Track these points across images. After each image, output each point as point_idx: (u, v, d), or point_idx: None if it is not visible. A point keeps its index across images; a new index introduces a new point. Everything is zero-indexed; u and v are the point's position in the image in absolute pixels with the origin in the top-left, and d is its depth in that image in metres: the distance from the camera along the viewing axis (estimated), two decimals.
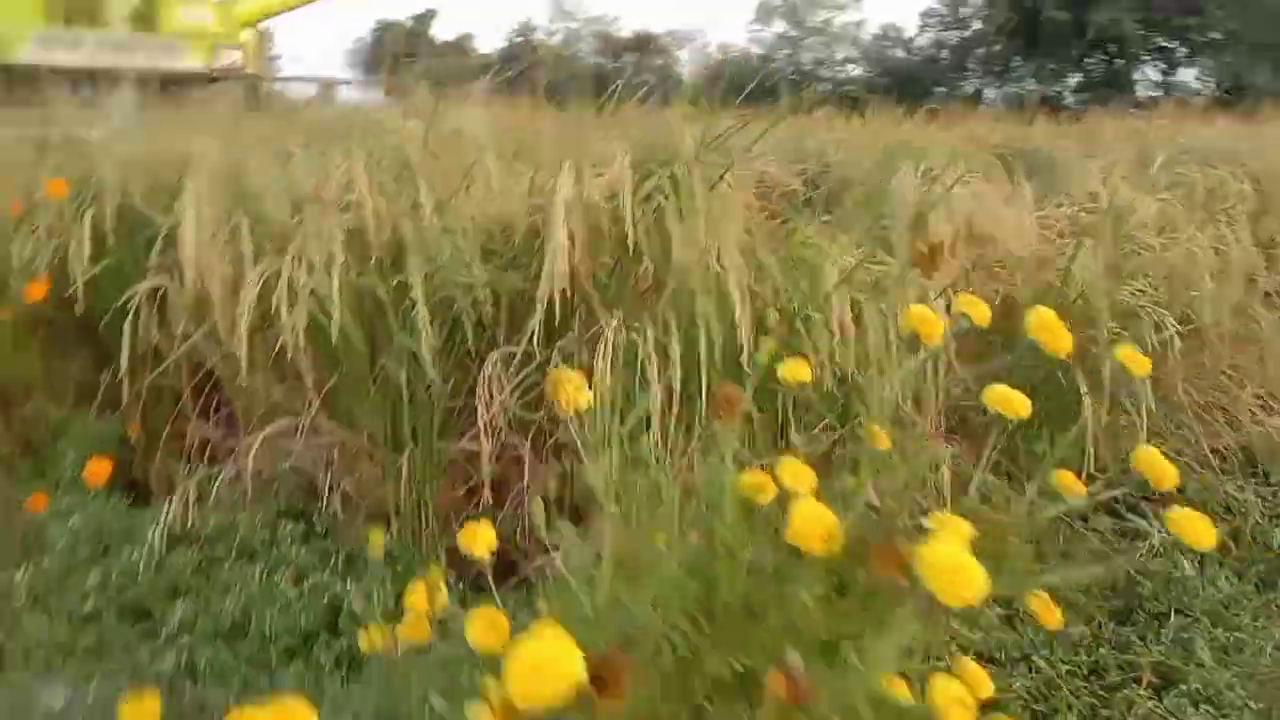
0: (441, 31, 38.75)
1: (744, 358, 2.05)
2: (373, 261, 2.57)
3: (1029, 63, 28.52)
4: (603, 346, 2.05)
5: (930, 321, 1.18)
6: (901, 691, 0.87)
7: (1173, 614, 2.50)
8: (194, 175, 2.73)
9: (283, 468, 2.56)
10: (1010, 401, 1.14)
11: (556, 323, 2.32)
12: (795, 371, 1.29)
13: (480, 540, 1.00)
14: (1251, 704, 2.06)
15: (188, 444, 2.81)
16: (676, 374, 2.08)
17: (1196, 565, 2.72)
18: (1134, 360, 1.25)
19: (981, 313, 1.19)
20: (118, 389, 2.77)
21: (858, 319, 2.22)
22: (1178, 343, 2.60)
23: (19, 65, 7.13)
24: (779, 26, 34.08)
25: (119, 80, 6.53)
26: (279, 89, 9.08)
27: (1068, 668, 2.27)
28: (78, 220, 2.73)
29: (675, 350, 2.13)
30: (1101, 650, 2.34)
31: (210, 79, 8.37)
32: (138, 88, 6.53)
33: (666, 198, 2.34)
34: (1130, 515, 2.86)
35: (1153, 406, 2.48)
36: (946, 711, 0.77)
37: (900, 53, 32.13)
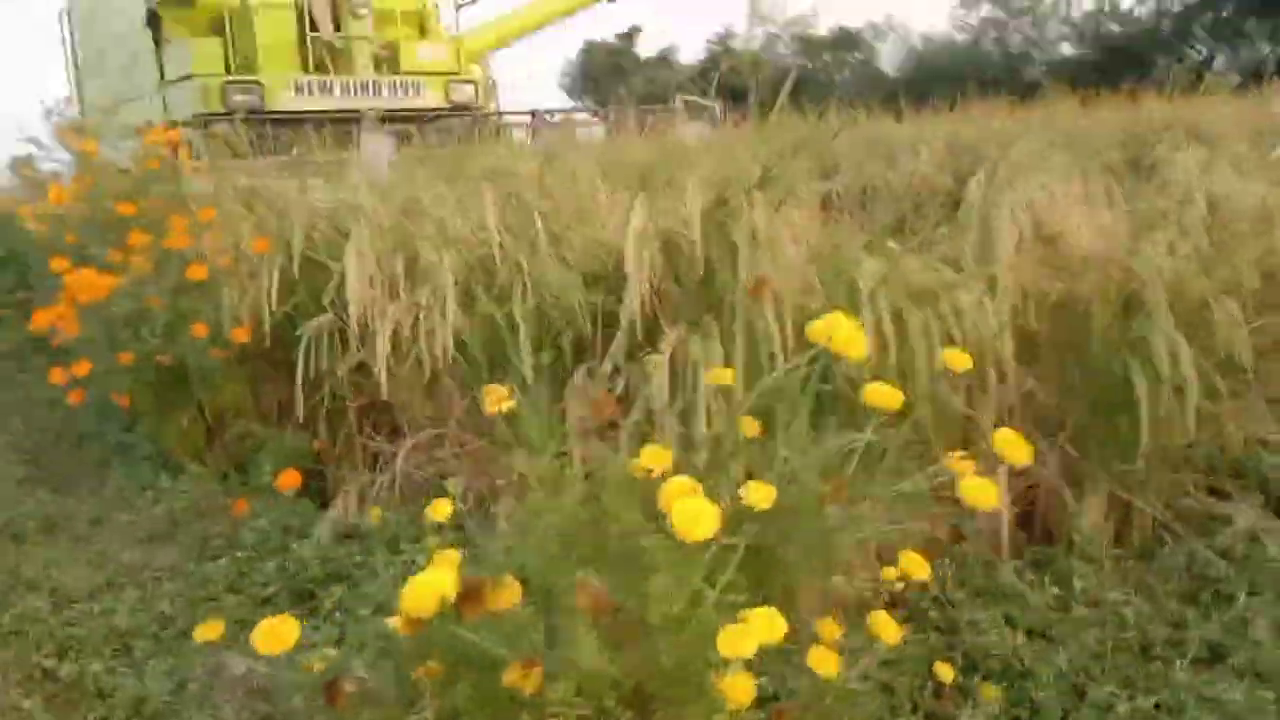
0: (645, 47, 39.70)
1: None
2: (495, 290, 3.02)
3: (1263, 23, 26.27)
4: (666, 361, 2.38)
5: (850, 337, 1.43)
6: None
7: (1242, 596, 2.57)
8: (356, 225, 3.27)
9: (429, 472, 3.04)
10: (885, 397, 1.39)
11: (640, 338, 2.68)
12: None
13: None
14: None
15: (359, 454, 3.36)
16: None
17: None
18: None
19: (858, 350, 1.41)
20: (313, 410, 3.36)
21: (901, 327, 2.45)
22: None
23: (280, 112, 8.09)
24: (985, 9, 32.85)
25: (367, 120, 7.53)
26: (505, 121, 9.86)
27: (1113, 643, 2.42)
28: (268, 271, 3.33)
29: (738, 361, 2.44)
30: (1152, 626, 2.47)
31: (448, 114, 9.25)
32: (383, 127, 7.17)
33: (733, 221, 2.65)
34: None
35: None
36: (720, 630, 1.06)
37: (1117, 27, 30.29)
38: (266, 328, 3.37)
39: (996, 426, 2.78)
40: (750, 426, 1.42)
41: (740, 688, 1.11)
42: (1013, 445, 1.38)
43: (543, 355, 2.63)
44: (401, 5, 9.93)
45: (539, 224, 3.11)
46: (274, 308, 3.39)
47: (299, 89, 8.51)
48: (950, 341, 2.61)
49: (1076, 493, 2.86)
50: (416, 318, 2.91)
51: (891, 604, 2.54)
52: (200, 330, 3.34)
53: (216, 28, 8.90)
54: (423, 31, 10.30)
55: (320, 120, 7.11)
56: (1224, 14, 28.04)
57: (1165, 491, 2.94)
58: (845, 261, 2.50)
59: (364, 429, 3.37)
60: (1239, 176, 3.26)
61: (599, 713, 1.04)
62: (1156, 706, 2.21)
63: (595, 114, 8.72)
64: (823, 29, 35.37)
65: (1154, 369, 2.59)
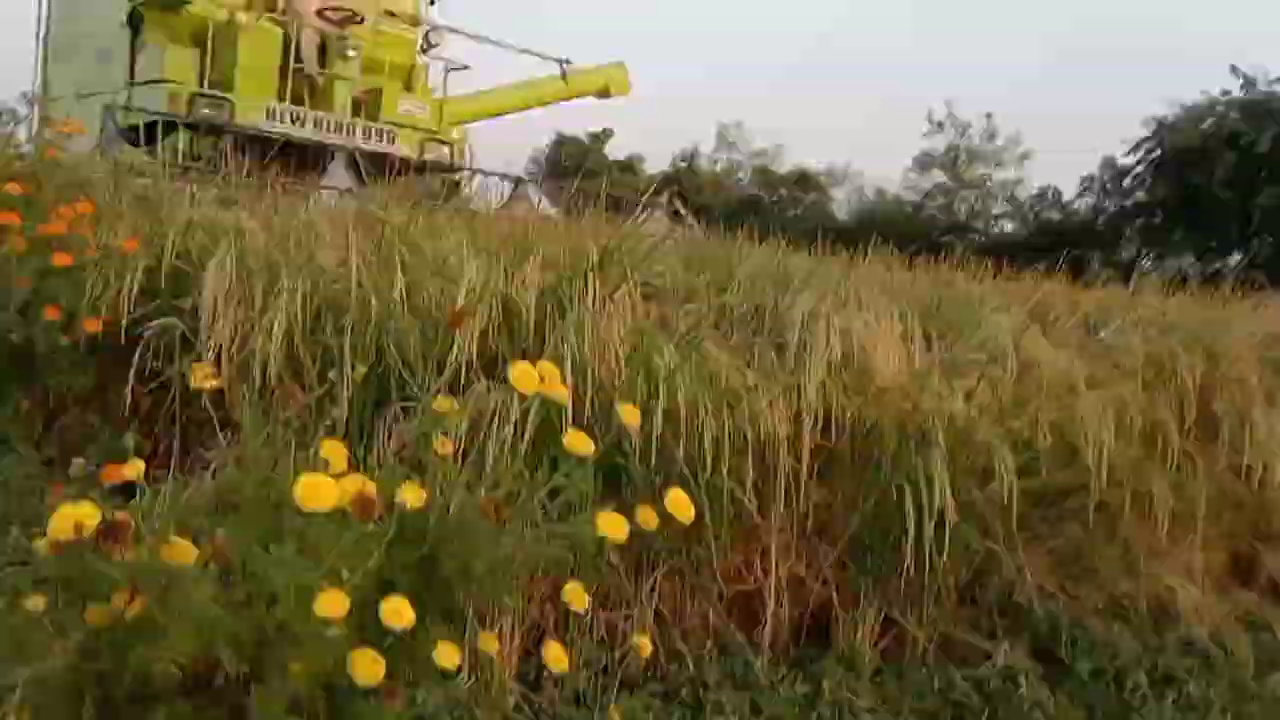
0: (615, 150, 40.64)
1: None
2: (339, 322, 3.13)
3: (1190, 236, 27.88)
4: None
5: (557, 386, 1.58)
6: None
7: None
8: (225, 240, 3.38)
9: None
10: (581, 443, 1.53)
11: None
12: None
13: None
14: None
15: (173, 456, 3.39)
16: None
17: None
18: None
19: (562, 396, 1.57)
20: (151, 410, 3.41)
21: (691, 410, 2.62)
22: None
23: (250, 130, 8.00)
24: (937, 175, 34.37)
25: (334, 154, 7.55)
26: (479, 183, 9.76)
27: None
28: (132, 270, 3.41)
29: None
30: None
31: (418, 168, 9.07)
32: (351, 164, 7.12)
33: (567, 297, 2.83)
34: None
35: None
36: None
37: (1056, 215, 31.89)
38: (123, 323, 3.43)
39: (780, 530, 2.99)
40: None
41: (363, 661, 1.21)
42: (680, 506, 1.52)
43: (356, 373, 2.72)
44: (391, 56, 9.90)
45: (399, 271, 3.24)
46: (132, 306, 3.45)
47: (270, 114, 8.46)
48: (743, 440, 2.79)
49: (852, 604, 3.01)
50: (253, 332, 3.00)
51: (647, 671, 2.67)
52: (52, 313, 3.39)
53: (197, 39, 8.70)
54: (408, 86, 10.31)
55: (287, 148, 7.12)
56: (1155, 221, 29.67)
57: (934, 618, 3.11)
58: (652, 346, 2.67)
59: (193, 434, 3.41)
60: (1051, 345, 3.54)
61: (206, 661, 1.14)
62: None
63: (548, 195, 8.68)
64: (784, 166, 36.65)
65: (923, 497, 2.77)
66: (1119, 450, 3.41)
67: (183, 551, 1.26)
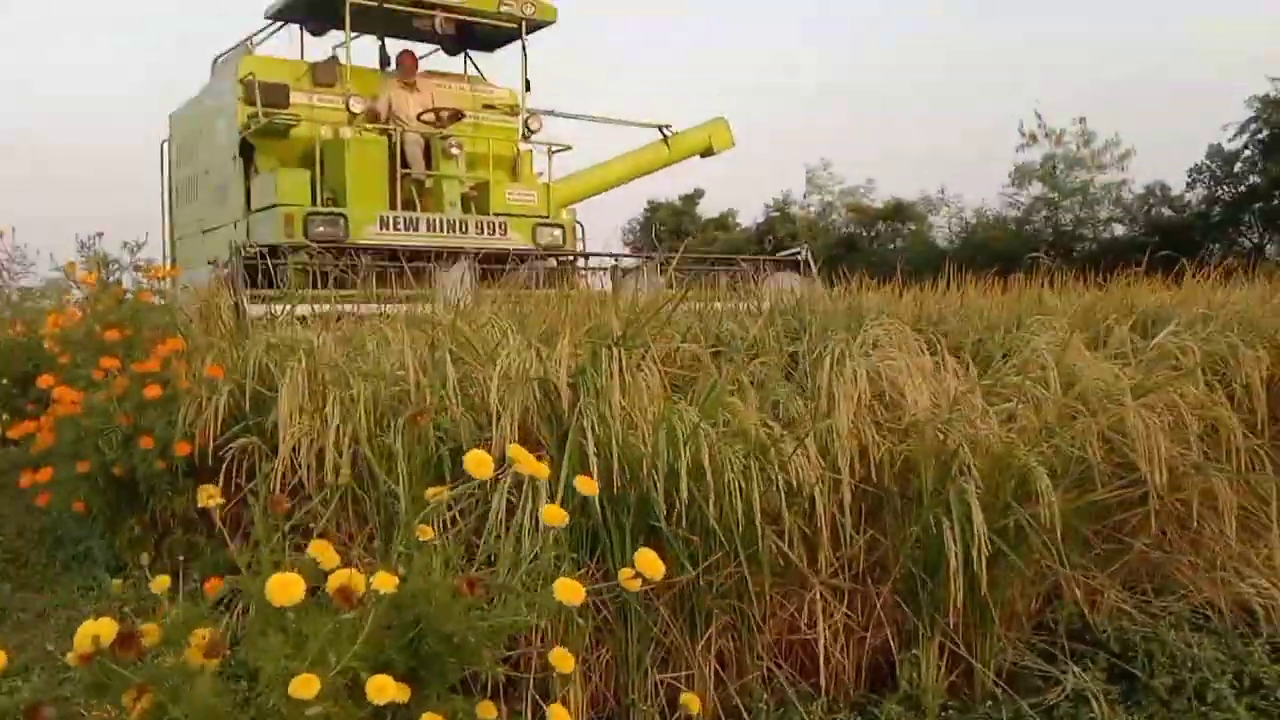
0: (708, 208, 41.00)
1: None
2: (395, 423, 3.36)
3: None
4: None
5: (532, 463, 1.75)
6: None
7: None
8: (292, 367, 3.67)
9: None
10: (650, 566, 1.66)
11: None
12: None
13: None
14: None
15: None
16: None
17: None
18: None
19: (542, 472, 1.74)
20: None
21: (717, 466, 2.74)
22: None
23: (366, 244, 7.91)
24: (1035, 188, 33.56)
25: (453, 257, 7.16)
26: (590, 266, 9.39)
27: None
28: (217, 396, 3.73)
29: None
30: None
31: (535, 256, 8.88)
32: (468, 265, 6.83)
33: (593, 371, 2.99)
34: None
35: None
36: None
37: (1168, 210, 30.75)
38: (211, 445, 3.75)
39: (833, 575, 3.05)
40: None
41: None
42: (649, 564, 1.64)
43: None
44: (495, 149, 9.75)
45: (449, 367, 3.47)
46: (220, 429, 3.77)
47: (383, 223, 8.41)
48: (775, 488, 2.89)
49: (912, 643, 3.04)
50: (323, 440, 3.25)
51: None
52: (147, 442, 3.74)
53: (306, 161, 8.75)
54: (514, 175, 10.17)
55: (404, 256, 6.93)
56: (1274, 202, 28.35)
57: (1001, 650, 3.11)
58: (671, 410, 2.81)
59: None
60: (1093, 358, 3.52)
61: None
62: None
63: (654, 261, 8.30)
64: (878, 200, 36.32)
65: (963, 527, 2.81)
66: (1177, 455, 3.38)
67: (193, 652, 1.46)
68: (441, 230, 8.68)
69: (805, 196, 38.53)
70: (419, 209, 8.95)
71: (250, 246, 7.72)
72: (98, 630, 1.38)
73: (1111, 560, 3.41)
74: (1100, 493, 3.22)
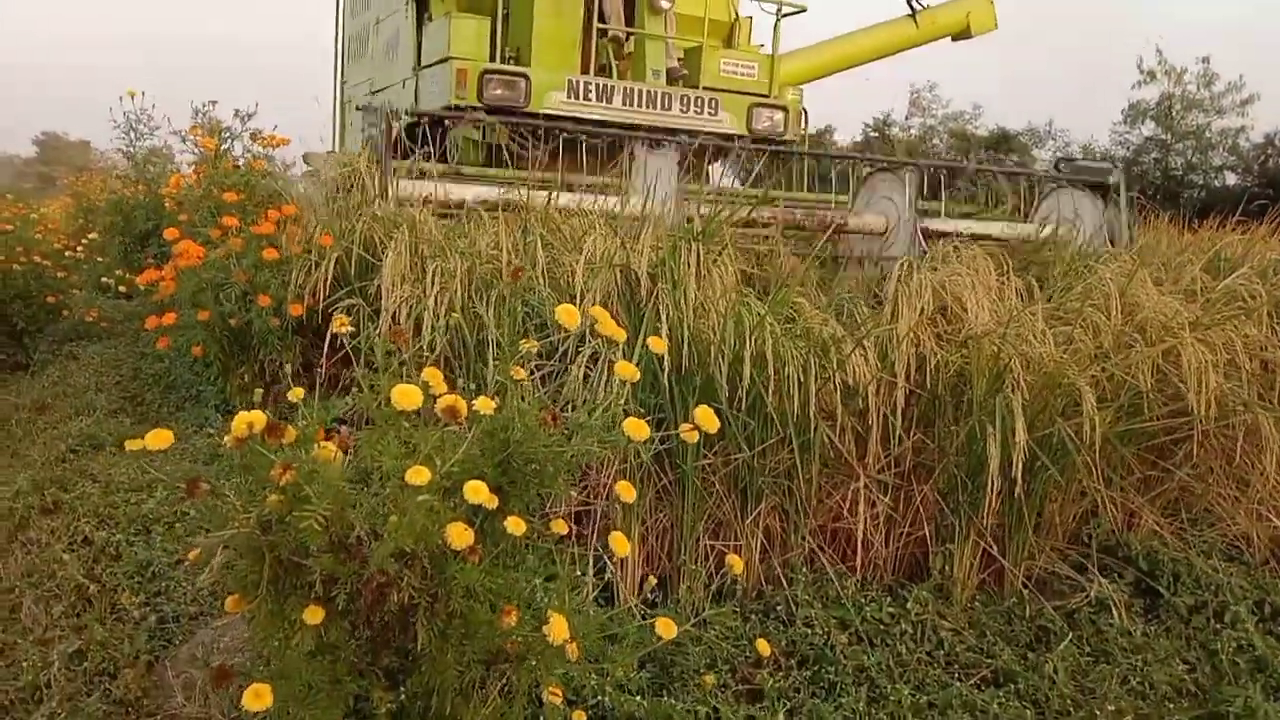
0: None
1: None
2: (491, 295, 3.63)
3: None
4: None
5: (610, 325, 1.98)
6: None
7: (1062, 645, 2.95)
8: (397, 240, 3.95)
9: None
10: (707, 419, 1.90)
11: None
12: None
13: None
14: None
15: None
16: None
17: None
18: None
19: (619, 334, 1.96)
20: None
21: (779, 358, 2.96)
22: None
23: (550, 112, 6.57)
24: (1149, 128, 32.31)
25: (645, 140, 5.74)
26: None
27: (920, 656, 2.84)
28: (327, 261, 4.04)
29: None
30: (960, 649, 2.87)
31: (745, 144, 7.30)
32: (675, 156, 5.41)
33: (672, 263, 3.21)
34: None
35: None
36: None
37: None
38: (320, 306, 4.07)
39: (880, 471, 3.27)
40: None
41: (456, 532, 1.64)
42: (707, 419, 1.87)
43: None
44: (711, 12, 7.83)
45: (539, 250, 3.71)
46: (328, 291, 4.09)
47: (572, 90, 6.89)
48: (833, 384, 3.10)
49: (945, 539, 3.26)
50: (419, 305, 3.53)
51: (751, 592, 3.04)
52: (264, 300, 4.07)
53: (487, 7, 7.13)
54: (728, 43, 8.42)
55: (590, 133, 5.88)
56: None
57: (1033, 555, 3.32)
58: (740, 302, 3.03)
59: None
60: (1158, 293, 3.63)
61: (342, 526, 1.61)
62: (930, 705, 2.62)
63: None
64: (982, 128, 35.32)
65: (1004, 434, 3.00)
66: (1228, 391, 3.49)
67: (325, 446, 1.75)
68: (640, 104, 7.10)
69: (907, 118, 37.52)
70: (615, 76, 7.33)
71: (407, 114, 6.75)
72: (251, 419, 1.67)
73: (1152, 486, 3.57)
74: (1146, 419, 3.37)
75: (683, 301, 3.04)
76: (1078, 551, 3.43)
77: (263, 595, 1.75)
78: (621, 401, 1.90)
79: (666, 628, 1.90)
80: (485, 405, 1.72)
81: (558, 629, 1.74)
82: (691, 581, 3.00)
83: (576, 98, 6.89)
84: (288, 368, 2.42)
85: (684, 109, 7.25)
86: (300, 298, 4.21)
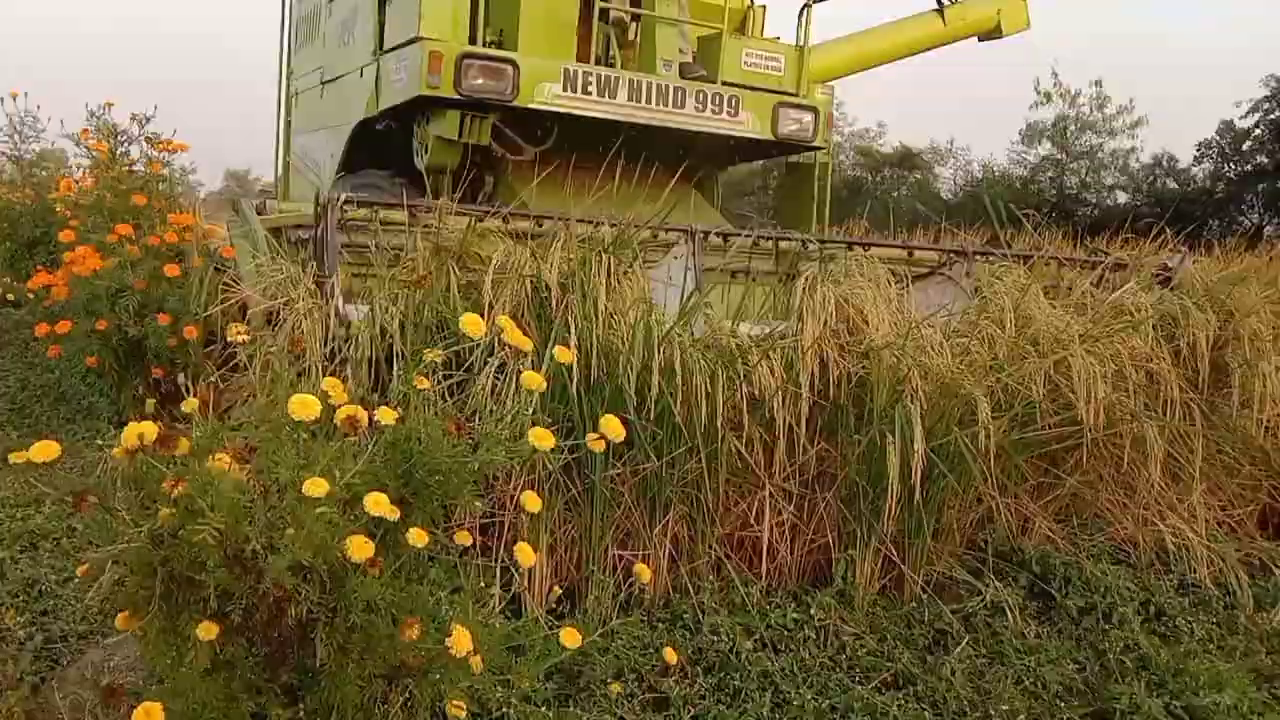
0: None
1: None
2: None
3: None
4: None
5: (514, 332, 1.98)
6: None
7: (958, 648, 3.04)
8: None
9: None
10: (613, 428, 1.90)
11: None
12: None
13: None
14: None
15: None
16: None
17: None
18: None
19: (524, 342, 1.97)
20: None
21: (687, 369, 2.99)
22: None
23: (536, 111, 5.54)
24: (1044, 148, 33.49)
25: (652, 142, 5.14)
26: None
27: (824, 660, 2.89)
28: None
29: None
30: (862, 654, 2.94)
31: (771, 150, 6.62)
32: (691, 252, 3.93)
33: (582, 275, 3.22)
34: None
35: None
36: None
37: (1173, 183, 30.80)
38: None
39: (785, 479, 3.33)
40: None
41: (357, 544, 1.63)
42: (613, 427, 1.89)
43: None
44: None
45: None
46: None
47: (569, 81, 5.64)
48: (739, 395, 3.15)
49: (847, 546, 3.33)
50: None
51: (658, 601, 3.06)
52: (164, 319, 3.96)
53: None
54: (742, 31, 7.18)
55: (588, 133, 5.16)
56: (1279, 185, 28.39)
57: (931, 560, 3.41)
58: (649, 313, 3.06)
59: None
60: (1050, 306, 3.77)
61: (230, 532, 1.58)
62: (833, 708, 2.67)
63: None
64: (886, 145, 36.16)
65: (904, 443, 3.08)
66: (1115, 401, 3.64)
67: (219, 457, 1.72)
68: (649, 99, 5.91)
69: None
70: (619, 65, 6.19)
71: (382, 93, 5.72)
72: (142, 430, 1.62)
73: (1045, 492, 3.70)
74: (1039, 428, 3.49)
75: (593, 313, 3.05)
76: (974, 556, 3.53)
77: (154, 612, 1.70)
78: (529, 411, 1.89)
79: (571, 637, 1.90)
80: (387, 415, 1.71)
81: (461, 641, 1.73)
82: (599, 592, 3.00)
83: (574, 90, 5.69)
84: (180, 377, 2.36)
85: (700, 107, 6.07)
86: (197, 320, 4.11)
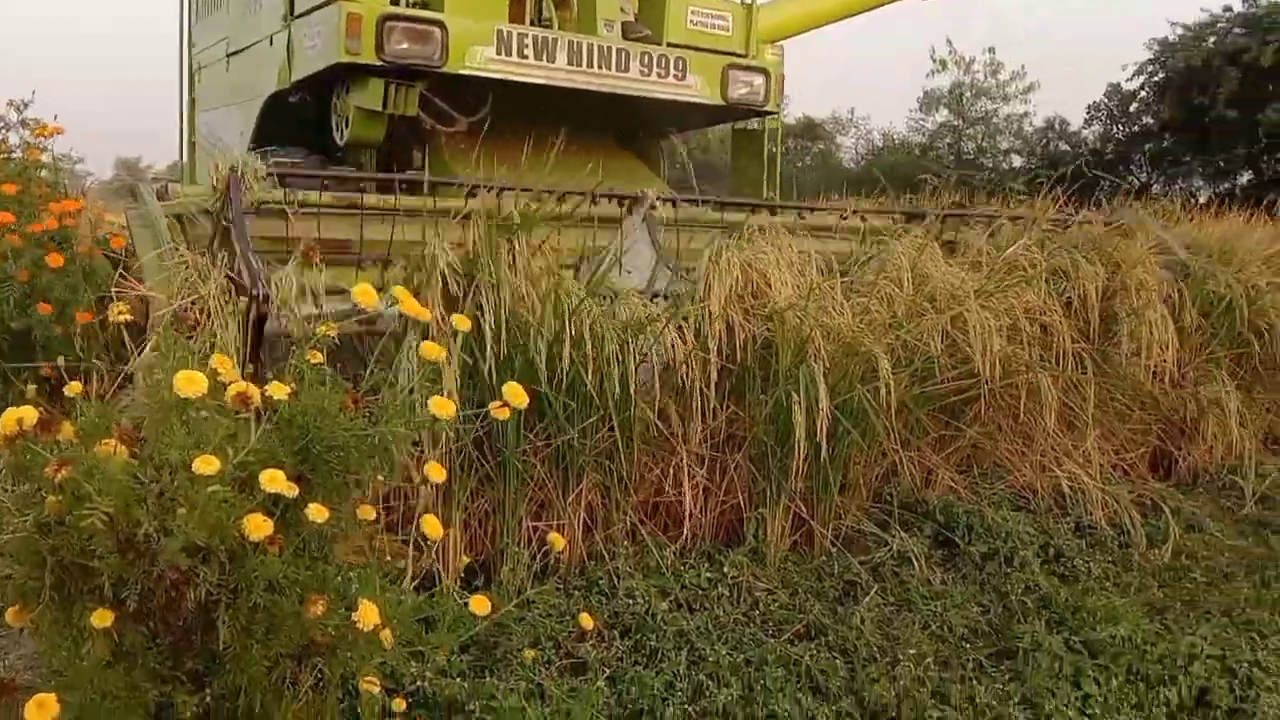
0: None
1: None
2: None
3: (1198, 159, 27.76)
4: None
5: (414, 305, 1.96)
6: None
7: (868, 596, 3.12)
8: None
9: None
10: (515, 395, 1.89)
11: None
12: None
13: None
14: None
15: None
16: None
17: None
18: None
19: (423, 314, 1.95)
20: None
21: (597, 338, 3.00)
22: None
23: (468, 78, 5.11)
24: (942, 115, 34.19)
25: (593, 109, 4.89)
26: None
27: (737, 616, 2.95)
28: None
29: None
30: (775, 608, 3.00)
31: (720, 116, 6.30)
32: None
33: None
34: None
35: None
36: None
37: (1064, 145, 31.74)
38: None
39: (698, 444, 3.36)
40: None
41: (254, 522, 1.60)
42: (516, 395, 1.89)
43: None
44: None
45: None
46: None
47: (503, 44, 5.20)
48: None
49: (758, 505, 3.39)
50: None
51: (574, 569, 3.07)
52: (45, 309, 3.79)
53: None
54: None
55: (525, 99, 4.89)
56: (1164, 144, 29.47)
57: (839, 515, 3.49)
58: (558, 285, 3.05)
59: None
60: (946, 264, 3.87)
61: (121, 516, 1.54)
62: (747, 662, 2.72)
63: None
64: (789, 117, 36.53)
65: (809, 402, 3.14)
66: (1010, 353, 3.76)
67: (105, 441, 1.67)
68: (590, 63, 5.50)
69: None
70: (556, 26, 5.84)
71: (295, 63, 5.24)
72: (21, 415, 1.57)
73: (946, 444, 3.81)
74: (938, 382, 3.59)
75: (500, 291, 3.03)
76: (881, 509, 3.63)
77: (45, 603, 1.65)
78: (437, 386, 1.88)
79: (480, 604, 1.90)
80: (279, 390, 1.68)
81: (368, 615, 1.72)
82: (515, 563, 3.00)
83: (509, 54, 5.26)
84: (61, 359, 2.25)
85: (645, 70, 5.69)
86: (90, 307, 3.96)
